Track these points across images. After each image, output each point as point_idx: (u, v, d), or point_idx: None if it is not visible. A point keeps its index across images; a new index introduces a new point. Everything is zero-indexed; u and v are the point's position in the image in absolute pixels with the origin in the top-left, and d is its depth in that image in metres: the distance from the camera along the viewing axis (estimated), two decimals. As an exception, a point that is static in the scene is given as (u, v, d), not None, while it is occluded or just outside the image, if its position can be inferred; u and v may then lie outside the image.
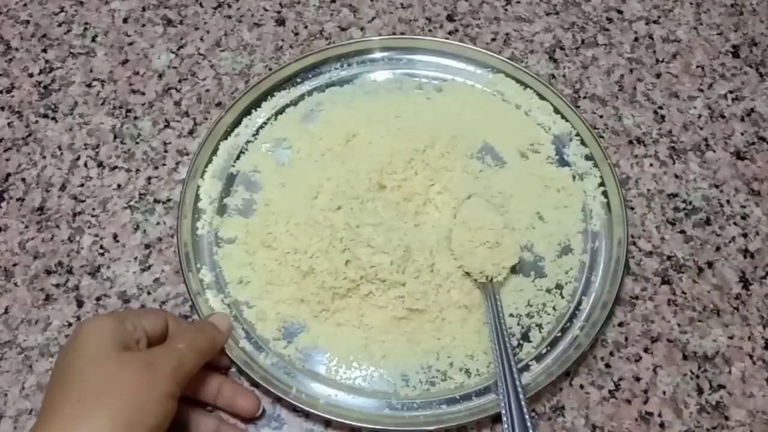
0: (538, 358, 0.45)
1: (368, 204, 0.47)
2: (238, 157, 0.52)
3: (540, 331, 0.46)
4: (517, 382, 0.41)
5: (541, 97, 0.54)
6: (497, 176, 0.51)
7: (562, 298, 0.47)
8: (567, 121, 0.53)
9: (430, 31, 0.61)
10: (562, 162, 0.52)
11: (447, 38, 0.57)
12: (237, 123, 0.53)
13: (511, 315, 0.47)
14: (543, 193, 0.51)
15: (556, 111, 0.53)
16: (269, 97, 0.54)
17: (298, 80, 0.55)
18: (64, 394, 0.33)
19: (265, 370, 0.44)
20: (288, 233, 0.47)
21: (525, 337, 0.46)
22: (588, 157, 0.52)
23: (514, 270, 0.47)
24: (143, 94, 0.57)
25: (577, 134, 0.52)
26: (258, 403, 0.43)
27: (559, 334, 0.46)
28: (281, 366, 0.45)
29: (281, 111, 0.54)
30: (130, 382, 0.34)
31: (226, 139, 0.53)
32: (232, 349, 0.44)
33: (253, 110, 0.54)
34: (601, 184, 0.51)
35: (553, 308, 0.47)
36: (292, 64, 0.55)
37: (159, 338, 0.40)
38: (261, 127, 0.54)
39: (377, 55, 0.57)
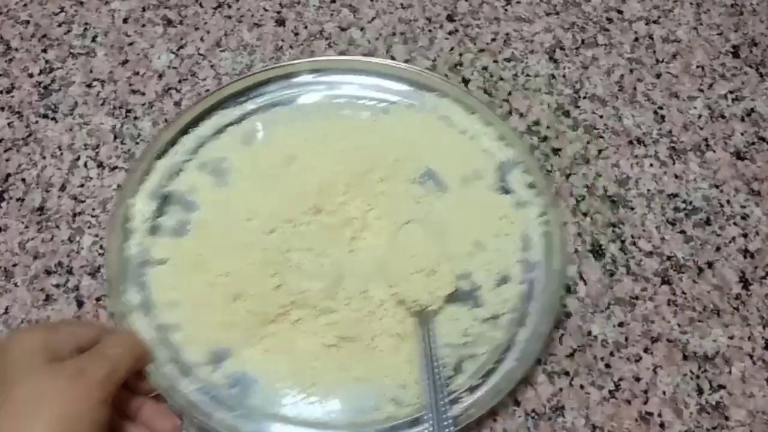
0: (472, 389, 0.44)
1: (302, 227, 0.46)
2: (175, 176, 0.50)
3: (474, 362, 0.45)
4: (445, 416, 0.40)
5: (487, 123, 0.53)
6: (439, 202, 0.50)
7: (499, 328, 0.46)
8: (511, 148, 0.52)
9: (430, 31, 0.61)
10: (505, 189, 0.51)
11: (395, 60, 0.56)
12: (174, 141, 0.51)
13: (446, 345, 0.45)
14: (483, 221, 0.49)
15: (501, 137, 0.52)
16: (210, 116, 0.52)
17: (241, 99, 0.53)
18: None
19: (187, 397, 0.43)
20: (220, 255, 0.46)
21: (458, 368, 0.45)
22: (531, 186, 0.50)
23: (450, 298, 0.46)
24: (143, 94, 0.57)
25: (522, 162, 0.51)
26: (176, 425, 0.41)
27: (494, 365, 0.44)
28: (206, 391, 0.43)
29: (221, 130, 0.52)
30: (61, 393, 0.33)
31: (161, 157, 0.51)
32: (155, 374, 0.42)
33: (191, 129, 0.52)
34: (543, 213, 0.49)
35: (489, 339, 0.45)
36: (235, 83, 0.53)
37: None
38: (200, 145, 0.52)
39: (323, 77, 0.55)
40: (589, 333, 0.48)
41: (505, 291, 0.47)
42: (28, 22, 0.61)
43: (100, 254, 0.50)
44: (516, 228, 0.49)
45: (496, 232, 0.49)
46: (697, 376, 0.46)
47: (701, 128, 0.56)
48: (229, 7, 0.62)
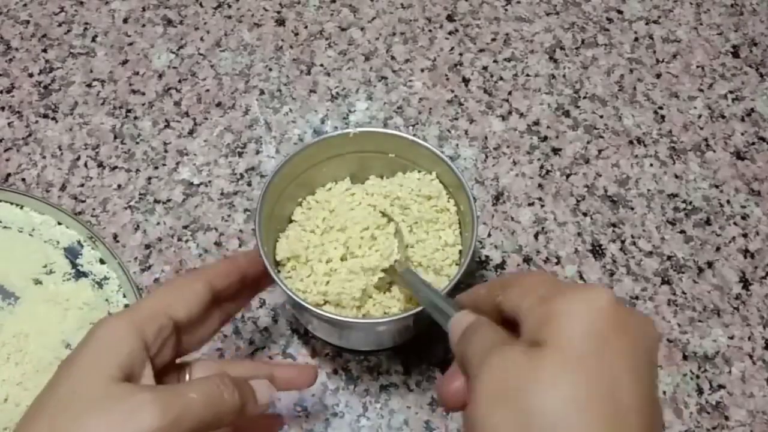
0: None
1: None
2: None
3: None
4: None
5: (41, 213, 0.50)
6: (12, 317, 0.46)
7: None
8: (72, 228, 0.49)
9: (430, 31, 0.61)
10: (80, 274, 0.48)
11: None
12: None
13: None
14: (64, 318, 0.46)
15: (60, 222, 0.49)
16: None
17: None
18: (35, 422, 0.28)
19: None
20: None
21: None
22: (102, 261, 0.48)
23: None
24: (143, 94, 0.57)
25: (88, 239, 0.49)
26: (314, 373, 0.37)
27: None
28: None
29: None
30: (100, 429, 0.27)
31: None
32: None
33: None
34: (120, 286, 0.47)
35: None
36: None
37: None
38: None
39: None
40: (589, 333, 0.48)
41: None
42: (28, 22, 0.61)
43: (100, 254, 0.50)
44: (99, 313, 0.47)
45: (79, 325, 0.46)
46: (697, 376, 0.46)
47: (701, 128, 0.56)
48: (229, 7, 0.62)
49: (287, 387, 0.37)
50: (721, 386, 0.46)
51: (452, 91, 0.57)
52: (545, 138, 0.55)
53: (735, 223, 0.52)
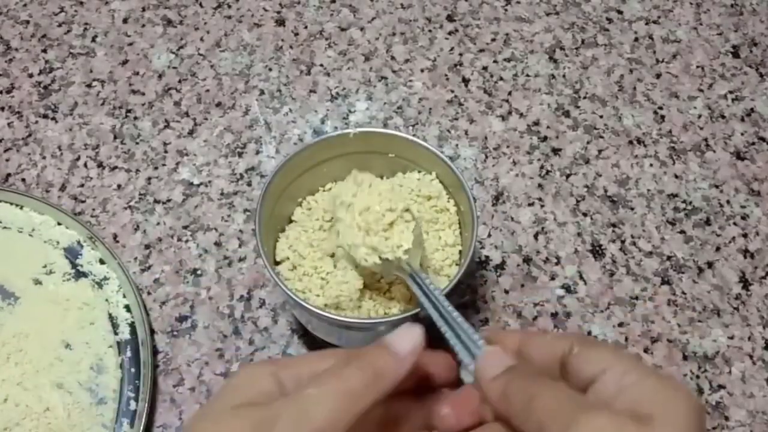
0: None
1: None
2: None
3: None
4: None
5: (40, 213, 0.50)
6: (12, 317, 0.46)
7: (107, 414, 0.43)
8: (72, 229, 0.49)
9: (430, 31, 0.61)
10: (80, 274, 0.48)
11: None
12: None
13: None
14: (64, 318, 0.46)
15: (59, 223, 0.49)
16: None
17: None
18: None
19: None
20: None
21: None
22: (102, 261, 0.48)
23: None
24: (143, 94, 0.57)
25: (88, 239, 0.49)
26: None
27: None
28: None
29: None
30: None
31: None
32: None
33: None
34: (120, 286, 0.47)
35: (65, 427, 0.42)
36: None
37: None
38: None
39: None
40: (589, 333, 0.48)
41: (104, 380, 0.44)
42: (28, 22, 0.61)
43: (100, 254, 0.50)
44: (100, 312, 0.47)
45: (80, 325, 0.46)
46: (697, 376, 0.46)
47: (701, 128, 0.56)
48: (229, 7, 0.62)
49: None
50: (721, 386, 0.46)
51: (452, 91, 0.57)
52: (545, 138, 0.55)
53: (735, 223, 0.52)
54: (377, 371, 0.28)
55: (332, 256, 0.44)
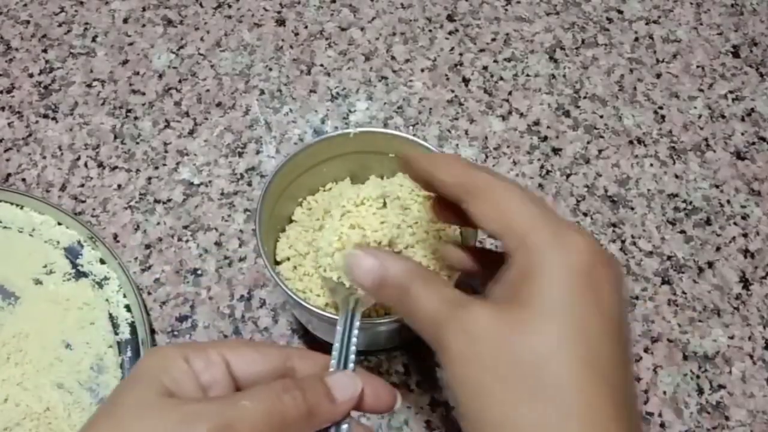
0: None
1: None
2: None
3: None
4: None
5: (41, 213, 0.50)
6: (12, 317, 0.46)
7: None
8: (72, 229, 0.49)
9: (430, 31, 0.61)
10: (80, 274, 0.48)
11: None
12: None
13: None
14: (64, 318, 0.46)
15: (60, 222, 0.49)
16: None
17: None
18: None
19: None
20: None
21: None
22: (102, 261, 0.48)
23: None
24: (143, 94, 0.57)
25: (88, 239, 0.48)
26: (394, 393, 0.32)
27: None
28: None
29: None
30: None
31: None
32: None
33: None
34: (120, 286, 0.47)
35: None
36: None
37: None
38: None
39: None
40: (589, 333, 0.48)
41: (104, 381, 0.44)
42: (28, 22, 0.61)
43: (100, 254, 0.50)
44: (99, 312, 0.47)
45: (80, 325, 0.46)
46: (698, 376, 0.46)
47: (701, 128, 0.56)
48: (229, 7, 0.62)
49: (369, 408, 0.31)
50: (721, 386, 0.46)
51: (452, 91, 0.57)
52: (545, 138, 0.55)
53: (735, 223, 0.52)
54: (312, 410, 0.28)
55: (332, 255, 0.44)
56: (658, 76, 0.59)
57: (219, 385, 0.29)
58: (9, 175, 0.53)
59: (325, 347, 0.47)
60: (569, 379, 0.25)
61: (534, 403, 0.25)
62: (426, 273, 0.31)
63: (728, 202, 0.53)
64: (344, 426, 0.29)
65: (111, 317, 0.46)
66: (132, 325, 0.46)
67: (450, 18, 0.61)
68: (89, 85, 0.57)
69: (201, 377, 0.28)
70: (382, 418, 0.44)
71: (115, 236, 0.51)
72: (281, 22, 0.61)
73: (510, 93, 0.57)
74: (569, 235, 0.27)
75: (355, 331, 0.33)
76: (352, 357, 0.31)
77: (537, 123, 0.56)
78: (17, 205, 0.50)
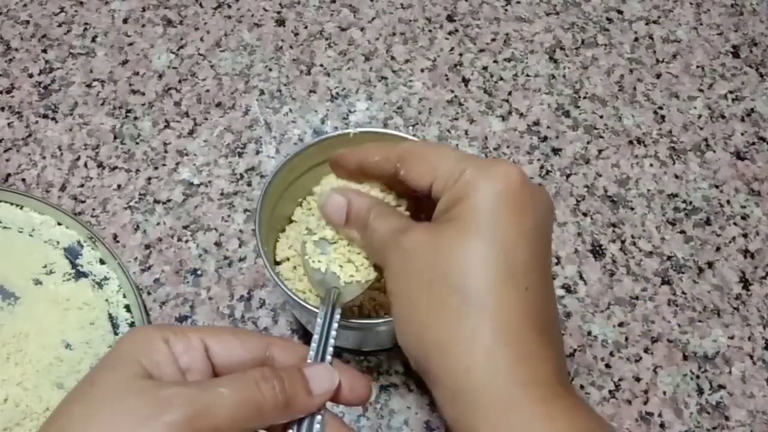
0: None
1: None
2: None
3: None
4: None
5: (41, 213, 0.50)
6: (12, 317, 0.46)
7: None
8: (72, 229, 0.49)
9: (430, 31, 0.61)
10: (80, 274, 0.48)
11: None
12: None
13: None
14: (64, 318, 0.46)
15: (60, 223, 0.49)
16: None
17: None
18: (55, 415, 0.27)
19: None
20: None
21: None
22: (102, 261, 0.48)
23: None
24: (143, 94, 0.57)
25: (88, 239, 0.48)
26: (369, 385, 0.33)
27: None
28: None
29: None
30: (125, 426, 0.25)
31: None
32: None
33: None
34: (120, 286, 0.47)
35: None
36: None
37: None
38: None
39: None
40: (589, 333, 0.48)
41: None
42: (28, 22, 0.61)
43: (100, 254, 0.50)
44: (98, 312, 0.47)
45: (80, 325, 0.46)
46: (697, 376, 0.46)
47: (701, 128, 0.56)
48: (229, 7, 0.62)
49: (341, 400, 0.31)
50: (721, 386, 0.46)
51: (452, 91, 0.57)
52: (545, 138, 0.55)
53: (735, 223, 0.52)
54: (289, 400, 0.28)
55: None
56: (658, 76, 0.59)
57: (197, 370, 0.28)
58: (9, 175, 0.53)
59: (325, 347, 0.47)
60: (489, 289, 0.27)
61: (454, 311, 0.28)
62: (382, 206, 0.33)
63: (728, 202, 0.53)
64: (318, 417, 0.29)
65: (111, 317, 0.46)
66: (132, 325, 0.46)
67: (450, 18, 0.61)
68: (89, 85, 0.57)
69: (180, 360, 0.28)
70: (381, 419, 0.44)
71: (115, 236, 0.51)
72: (281, 22, 0.61)
73: (510, 93, 0.57)
74: (496, 165, 0.29)
75: (335, 324, 0.33)
76: (330, 350, 0.32)
77: (537, 123, 0.56)
78: (17, 205, 0.50)
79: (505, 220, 0.28)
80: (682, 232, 0.52)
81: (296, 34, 0.60)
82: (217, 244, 0.50)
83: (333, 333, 0.33)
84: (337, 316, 0.34)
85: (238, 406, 0.26)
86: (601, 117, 0.56)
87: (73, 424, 0.25)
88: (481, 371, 0.27)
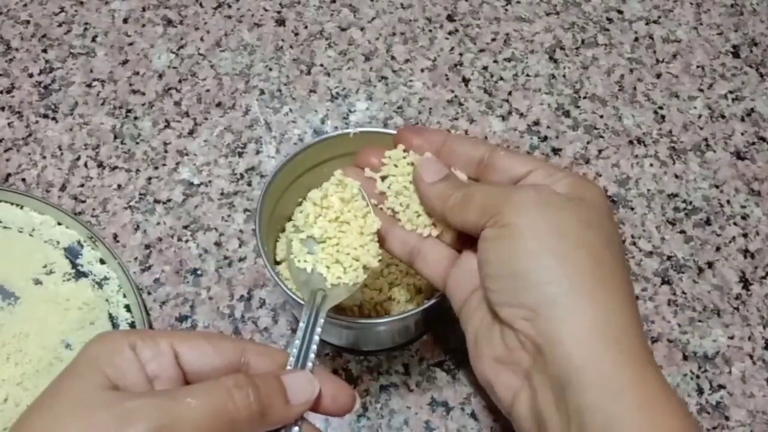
0: None
1: None
2: None
3: None
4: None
5: (41, 213, 0.50)
6: (12, 317, 0.46)
7: None
8: (72, 229, 0.49)
9: (430, 31, 0.61)
10: (80, 274, 0.48)
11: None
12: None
13: None
14: (64, 318, 0.46)
15: (59, 222, 0.49)
16: None
17: None
18: (18, 426, 0.26)
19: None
20: None
21: None
22: (102, 261, 0.48)
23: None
24: (143, 94, 0.57)
25: (88, 239, 0.48)
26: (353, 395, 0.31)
27: None
28: None
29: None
30: None
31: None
32: None
33: None
34: (120, 286, 0.47)
35: None
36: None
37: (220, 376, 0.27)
38: None
39: None
40: (589, 333, 0.48)
41: None
42: (28, 22, 0.61)
43: (100, 254, 0.50)
44: (99, 312, 0.46)
45: (80, 325, 0.46)
46: (697, 376, 0.46)
47: (701, 128, 0.56)
48: (229, 7, 0.62)
49: (322, 410, 0.29)
50: (721, 386, 0.46)
51: (452, 91, 0.57)
52: (545, 138, 0.55)
53: (735, 223, 0.52)
54: (264, 411, 0.26)
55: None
56: (658, 76, 0.59)
57: (166, 377, 0.27)
58: (9, 175, 0.53)
59: (323, 346, 0.47)
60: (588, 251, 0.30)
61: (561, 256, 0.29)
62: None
63: (728, 202, 0.53)
64: (296, 429, 0.27)
65: (111, 317, 0.46)
66: (132, 325, 0.46)
67: (450, 18, 0.61)
68: (89, 85, 0.57)
69: (147, 367, 0.26)
70: (381, 418, 0.44)
71: (115, 236, 0.51)
72: (281, 22, 0.61)
73: (510, 93, 0.57)
74: (591, 181, 0.34)
75: (318, 329, 0.31)
76: (312, 356, 0.30)
77: (537, 123, 0.56)
78: (17, 205, 0.50)
79: (559, 213, 0.31)
80: (682, 232, 0.52)
81: (296, 34, 0.60)
82: (217, 244, 0.50)
83: (316, 338, 0.31)
84: (321, 320, 0.32)
85: (207, 418, 0.24)
86: (601, 117, 0.56)
87: None
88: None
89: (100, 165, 0.54)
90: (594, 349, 0.27)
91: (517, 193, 0.31)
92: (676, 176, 0.54)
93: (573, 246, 0.29)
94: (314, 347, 0.30)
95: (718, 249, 0.51)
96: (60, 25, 0.61)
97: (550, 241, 0.29)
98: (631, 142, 0.55)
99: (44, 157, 0.54)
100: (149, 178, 0.53)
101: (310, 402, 0.28)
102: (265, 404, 0.26)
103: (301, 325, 0.31)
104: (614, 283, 0.29)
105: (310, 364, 0.30)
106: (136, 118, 0.56)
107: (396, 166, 0.37)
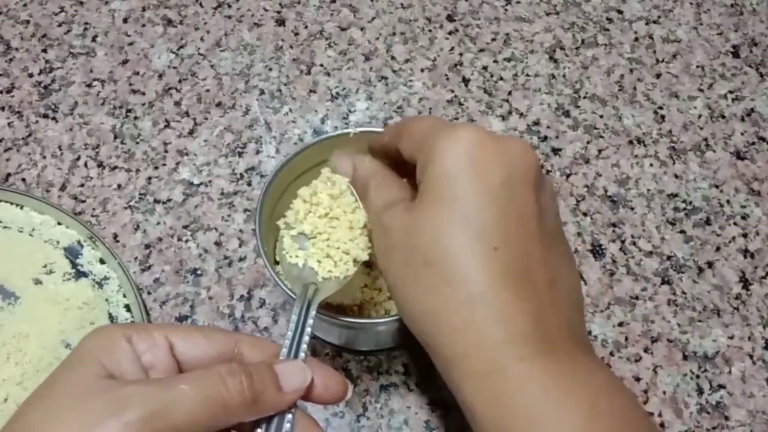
0: None
1: None
2: None
3: None
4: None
5: (41, 213, 0.50)
6: (12, 317, 0.46)
7: None
8: (72, 229, 0.49)
9: (430, 31, 0.61)
10: (80, 274, 0.48)
11: None
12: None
13: None
14: (64, 318, 0.46)
15: (59, 222, 0.49)
16: None
17: None
18: (15, 418, 0.26)
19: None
20: None
21: None
22: (102, 261, 0.48)
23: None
24: (143, 94, 0.57)
25: (88, 239, 0.48)
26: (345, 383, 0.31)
27: None
28: None
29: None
30: (82, 428, 0.24)
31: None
32: None
33: None
34: (120, 286, 0.47)
35: None
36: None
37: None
38: None
39: None
40: (590, 333, 0.48)
41: None
42: (28, 22, 0.61)
43: (100, 254, 0.50)
44: (99, 312, 0.46)
45: (80, 325, 0.46)
46: (697, 376, 0.46)
47: (701, 128, 0.56)
48: (229, 7, 0.62)
49: (315, 398, 0.29)
50: (721, 386, 0.46)
51: (452, 91, 0.57)
52: (545, 138, 0.55)
53: (735, 223, 0.52)
54: (257, 397, 0.26)
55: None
56: (658, 76, 0.59)
57: (161, 368, 0.27)
58: (9, 175, 0.53)
59: (323, 346, 0.47)
60: (455, 256, 0.27)
61: (431, 281, 0.28)
62: (384, 176, 0.34)
63: (728, 202, 0.53)
64: (288, 416, 0.28)
65: (111, 317, 0.46)
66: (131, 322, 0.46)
67: (450, 18, 0.61)
68: (89, 85, 0.57)
69: (143, 357, 0.27)
70: (381, 418, 0.44)
71: (115, 236, 0.51)
72: (281, 22, 0.61)
73: (510, 93, 0.57)
74: (458, 128, 0.29)
75: (310, 321, 0.32)
76: (304, 346, 0.31)
77: (537, 123, 0.56)
78: (17, 205, 0.50)
79: (465, 181, 0.28)
80: (682, 231, 0.52)
81: (296, 34, 0.60)
82: (217, 244, 0.50)
83: (308, 330, 0.32)
84: (313, 312, 0.33)
85: (200, 404, 0.25)
86: (601, 117, 0.56)
87: (31, 428, 0.25)
88: (462, 338, 0.27)
89: (100, 165, 0.54)
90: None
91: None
92: (676, 176, 0.54)
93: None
94: (306, 338, 0.31)
95: (718, 249, 0.51)
96: (60, 25, 0.61)
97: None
98: (631, 142, 0.55)
99: (44, 157, 0.54)
100: (149, 178, 0.53)
101: (302, 389, 0.28)
102: (257, 391, 0.26)
103: (293, 317, 0.32)
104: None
105: (302, 355, 0.30)
106: (136, 118, 0.56)
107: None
